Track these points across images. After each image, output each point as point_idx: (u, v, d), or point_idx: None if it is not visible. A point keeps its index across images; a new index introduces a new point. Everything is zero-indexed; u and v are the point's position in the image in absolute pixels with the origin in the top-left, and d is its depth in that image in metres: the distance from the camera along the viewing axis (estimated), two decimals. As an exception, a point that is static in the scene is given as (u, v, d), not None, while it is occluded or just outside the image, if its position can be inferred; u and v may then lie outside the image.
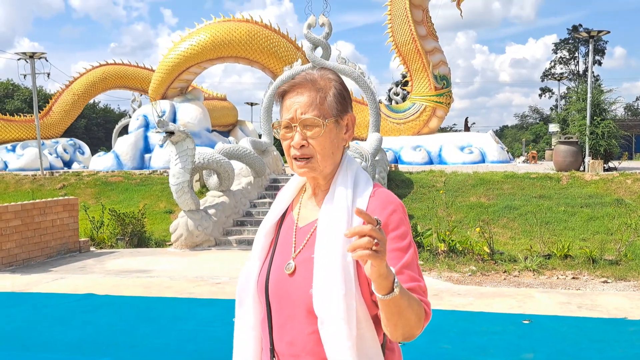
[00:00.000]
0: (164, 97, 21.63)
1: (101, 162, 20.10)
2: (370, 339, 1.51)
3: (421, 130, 21.94)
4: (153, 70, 24.83)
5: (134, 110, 27.72)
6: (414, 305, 1.39)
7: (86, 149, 25.95)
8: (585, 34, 17.52)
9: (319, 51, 15.15)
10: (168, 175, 15.31)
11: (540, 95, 65.35)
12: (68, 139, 25.67)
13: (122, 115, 53.65)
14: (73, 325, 5.86)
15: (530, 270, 8.61)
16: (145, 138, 20.55)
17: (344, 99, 1.59)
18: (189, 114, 20.81)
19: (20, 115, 25.61)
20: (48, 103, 26.94)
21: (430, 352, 4.90)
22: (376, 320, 1.51)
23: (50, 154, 23.51)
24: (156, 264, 9.45)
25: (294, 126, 1.55)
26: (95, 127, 54.03)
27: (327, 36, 15.15)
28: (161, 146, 19.25)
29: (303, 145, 1.54)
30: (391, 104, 25.10)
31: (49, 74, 27.63)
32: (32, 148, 22.79)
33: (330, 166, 1.58)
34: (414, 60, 21.71)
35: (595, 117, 15.71)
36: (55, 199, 10.66)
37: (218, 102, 26.44)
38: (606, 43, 58.80)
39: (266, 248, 1.67)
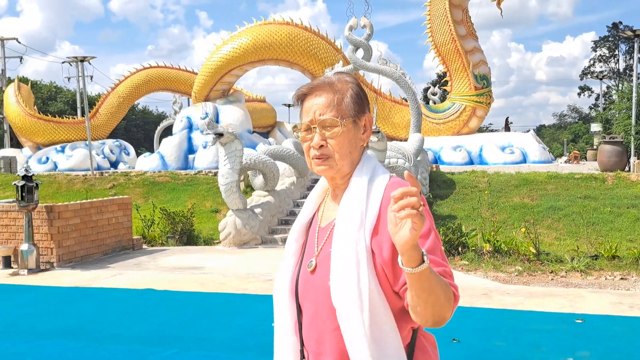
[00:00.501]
0: (206, 99, 22.12)
1: (147, 163, 20.73)
2: (390, 331, 1.50)
3: (461, 130, 21.88)
4: (195, 73, 25.40)
5: (175, 112, 28.40)
6: (442, 284, 1.39)
7: (131, 149, 26.72)
8: (630, 33, 17.25)
9: (360, 52, 15.33)
10: (213, 175, 15.71)
11: (579, 94, 64.12)
12: (114, 140, 26.48)
13: (161, 116, 54.81)
14: (138, 319, 6.18)
15: (578, 270, 8.61)
16: (189, 139, 21.06)
17: (361, 100, 1.63)
18: (232, 116, 21.23)
19: (68, 117, 26.52)
20: (90, 105, 27.80)
21: (484, 349, 5.03)
22: (398, 316, 1.52)
23: (98, 154, 24.30)
24: (207, 261, 9.77)
25: (313, 127, 1.59)
26: (135, 129, 55.28)
27: (369, 37, 15.32)
28: (204, 147, 19.78)
29: (322, 146, 1.58)
30: (428, 103, 25.08)
31: (91, 77, 28.59)
32: (81, 149, 23.58)
33: (348, 165, 1.60)
34: (454, 60, 21.67)
35: (640, 117, 15.49)
36: (110, 198, 11.11)
37: (258, 103, 26.87)
38: (649, 40, 57.31)
39: (298, 252, 1.71)
